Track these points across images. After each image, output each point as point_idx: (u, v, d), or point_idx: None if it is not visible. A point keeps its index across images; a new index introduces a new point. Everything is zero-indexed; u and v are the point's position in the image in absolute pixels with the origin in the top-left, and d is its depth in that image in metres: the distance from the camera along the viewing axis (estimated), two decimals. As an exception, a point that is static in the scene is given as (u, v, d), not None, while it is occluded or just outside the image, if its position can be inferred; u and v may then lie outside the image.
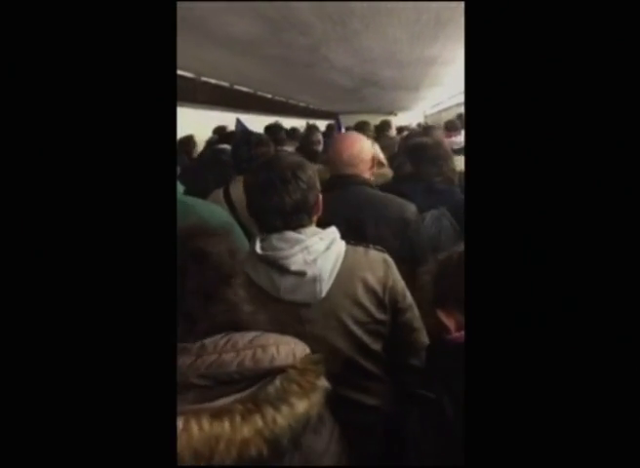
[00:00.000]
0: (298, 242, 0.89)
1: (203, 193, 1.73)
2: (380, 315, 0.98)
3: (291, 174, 0.92)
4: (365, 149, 1.52)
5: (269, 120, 5.36)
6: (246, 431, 0.56)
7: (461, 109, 6.65)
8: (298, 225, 0.92)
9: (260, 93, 6.34)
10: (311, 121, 8.19)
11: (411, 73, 5.07)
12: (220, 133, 4.03)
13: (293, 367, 0.62)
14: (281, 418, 0.57)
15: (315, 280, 0.89)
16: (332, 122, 6.76)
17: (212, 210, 1.35)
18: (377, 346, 1.00)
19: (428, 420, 0.67)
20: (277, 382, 0.60)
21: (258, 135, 2.10)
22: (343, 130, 5.55)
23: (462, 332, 0.67)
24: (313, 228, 0.94)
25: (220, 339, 0.66)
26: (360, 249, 1.00)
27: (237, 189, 1.67)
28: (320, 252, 0.90)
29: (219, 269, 0.69)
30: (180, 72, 3.93)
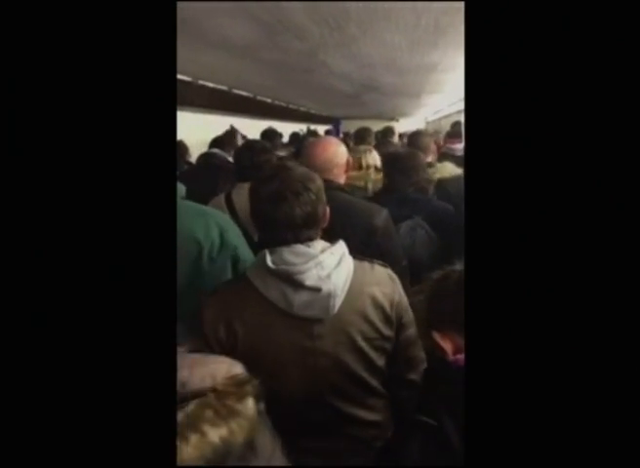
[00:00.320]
0: (311, 257, 0.88)
1: (198, 197, 1.74)
2: (386, 331, 0.98)
3: (301, 185, 0.90)
4: (339, 154, 1.50)
5: (269, 124, 5.33)
6: None
7: (461, 117, 6.62)
8: (307, 238, 0.91)
9: (259, 97, 6.30)
10: (313, 126, 8.16)
11: (411, 80, 5.02)
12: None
13: (213, 390, 0.56)
14: (191, 449, 0.50)
15: (330, 295, 0.88)
16: (330, 127, 6.71)
17: (223, 215, 1.34)
18: (381, 362, 0.99)
19: (432, 448, 0.65)
20: (189, 409, 0.53)
21: (260, 142, 2.08)
22: (341, 135, 5.51)
23: (462, 355, 0.64)
24: (322, 242, 0.93)
25: None
26: (366, 264, 0.99)
27: (239, 196, 1.72)
28: (332, 267, 0.89)
29: None
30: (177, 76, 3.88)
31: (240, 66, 3.59)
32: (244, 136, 4.11)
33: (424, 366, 1.01)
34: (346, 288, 0.91)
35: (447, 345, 0.68)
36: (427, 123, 12.99)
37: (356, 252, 1.07)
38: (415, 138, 2.60)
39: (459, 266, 0.74)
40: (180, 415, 0.52)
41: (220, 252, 1.24)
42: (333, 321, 0.91)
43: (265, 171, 0.96)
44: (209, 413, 0.53)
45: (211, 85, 4.76)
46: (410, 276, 1.37)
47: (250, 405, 0.56)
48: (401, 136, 5.38)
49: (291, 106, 7.87)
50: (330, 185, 1.42)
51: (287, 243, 0.90)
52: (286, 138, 5.02)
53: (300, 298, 0.88)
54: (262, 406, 0.60)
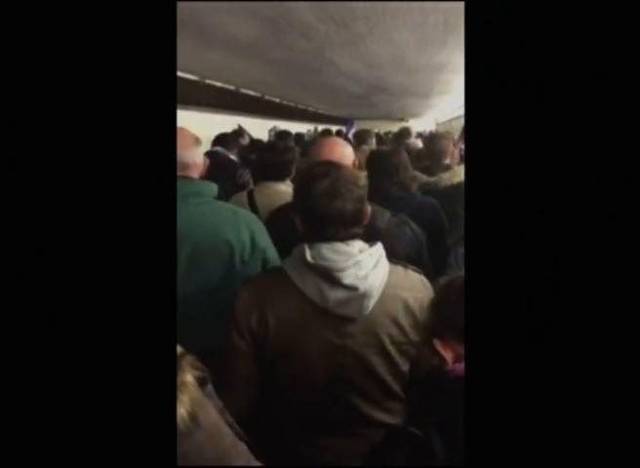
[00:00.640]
0: (350, 255, 0.89)
1: None
2: (414, 336, 0.98)
3: (353, 183, 0.93)
4: (345, 155, 1.49)
5: (276, 124, 5.29)
6: None
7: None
8: (354, 235, 0.93)
9: (267, 97, 6.28)
10: (321, 126, 8.12)
11: (420, 80, 4.96)
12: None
13: None
14: None
15: (365, 296, 0.89)
16: (342, 128, 6.65)
17: (254, 217, 1.35)
18: (405, 367, 1.00)
19: (416, 459, 0.64)
20: None
21: (282, 142, 2.18)
22: (352, 132, 5.45)
23: (461, 365, 0.63)
24: (360, 242, 0.94)
25: None
26: (400, 268, 1.00)
27: (262, 195, 1.79)
28: (370, 268, 0.90)
29: None
30: (181, 74, 3.87)
31: (246, 65, 3.56)
32: (251, 137, 4.09)
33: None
34: (380, 290, 0.92)
35: (447, 354, 0.67)
36: (437, 124, 12.89)
37: None
38: (432, 140, 2.53)
39: (457, 269, 0.70)
40: None
41: (251, 254, 1.25)
42: (364, 322, 0.92)
43: (313, 169, 0.97)
44: None
45: (218, 84, 4.75)
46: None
47: (188, 378, 0.55)
48: (420, 135, 5.34)
49: (299, 106, 7.84)
50: None
51: (333, 238, 0.91)
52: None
53: (335, 295, 0.89)
54: (210, 388, 0.61)
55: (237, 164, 3.07)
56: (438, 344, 0.69)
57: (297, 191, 0.98)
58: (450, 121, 10.99)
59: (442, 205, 1.91)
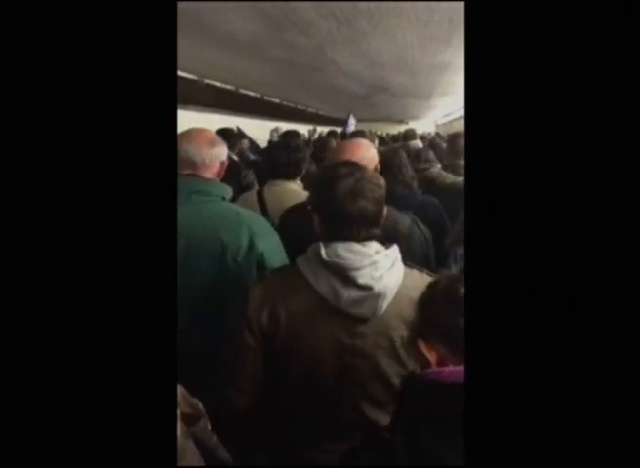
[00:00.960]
0: (366, 255, 0.89)
1: None
2: None
3: (375, 183, 0.93)
4: (366, 159, 1.45)
5: (273, 126, 5.23)
6: None
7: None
8: (371, 236, 0.92)
9: (267, 97, 6.22)
10: (320, 127, 8.07)
11: (422, 80, 4.90)
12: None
13: None
14: None
15: (379, 296, 0.89)
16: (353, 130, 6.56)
17: (260, 220, 1.35)
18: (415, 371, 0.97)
19: (377, 460, 0.63)
20: None
21: (296, 141, 2.21)
22: (350, 130, 5.40)
23: (443, 368, 0.61)
24: (376, 244, 0.93)
25: None
26: (415, 272, 0.99)
27: (272, 193, 1.79)
28: (386, 269, 0.90)
29: None
30: (180, 73, 3.80)
31: (245, 64, 3.50)
32: (251, 139, 4.03)
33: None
34: (394, 291, 0.91)
35: (431, 355, 0.65)
36: (437, 125, 12.86)
37: None
38: (454, 141, 2.48)
39: (453, 270, 0.72)
40: None
41: (245, 256, 1.23)
42: (376, 322, 0.91)
43: (337, 168, 0.97)
44: None
45: (218, 84, 4.69)
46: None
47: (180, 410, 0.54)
48: (422, 138, 5.36)
49: (299, 107, 7.79)
50: None
51: (353, 237, 0.90)
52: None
53: (349, 294, 0.88)
54: (204, 424, 0.59)
55: (241, 164, 3.04)
56: (422, 345, 0.67)
57: (319, 190, 0.96)
58: (450, 122, 10.95)
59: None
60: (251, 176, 2.75)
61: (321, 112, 9.04)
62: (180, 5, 1.97)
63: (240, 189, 2.35)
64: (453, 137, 2.57)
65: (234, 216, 1.25)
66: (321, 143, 3.38)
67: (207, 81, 4.45)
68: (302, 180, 1.89)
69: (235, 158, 3.08)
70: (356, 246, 0.90)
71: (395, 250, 0.95)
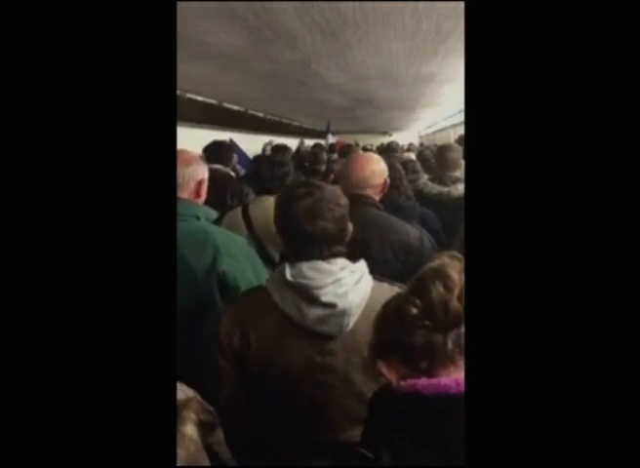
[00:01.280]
0: (330, 273, 0.90)
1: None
2: None
3: (335, 202, 0.93)
4: (377, 173, 1.50)
5: (261, 139, 5.14)
6: None
7: (457, 130, 6.54)
8: (337, 253, 0.93)
9: (251, 111, 6.14)
10: (307, 141, 8.02)
11: (407, 92, 4.88)
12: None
13: None
14: None
15: (344, 313, 0.89)
16: (333, 142, 6.50)
17: (231, 240, 1.35)
18: None
19: None
20: None
21: (279, 156, 2.23)
22: (330, 141, 5.38)
23: (416, 381, 0.61)
24: (343, 260, 0.94)
25: None
26: (385, 285, 0.99)
27: (257, 208, 1.77)
28: (351, 285, 0.91)
29: None
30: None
31: (228, 78, 3.41)
32: (240, 152, 3.93)
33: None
34: (362, 306, 0.91)
35: (392, 375, 0.65)
36: (421, 137, 12.96)
37: (391, 267, 1.08)
38: (443, 153, 2.48)
39: (403, 289, 0.71)
40: None
41: (206, 274, 1.25)
42: (346, 339, 0.91)
43: (294, 188, 0.97)
44: None
45: (200, 98, 4.59)
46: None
47: (188, 431, 0.54)
48: (409, 149, 5.39)
49: (284, 121, 7.73)
50: (364, 201, 1.46)
51: (314, 257, 0.91)
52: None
53: (314, 313, 0.89)
54: (219, 434, 0.59)
55: (241, 182, 2.94)
56: (382, 366, 0.66)
57: (279, 210, 0.97)
58: (433, 133, 11.04)
59: (455, 215, 1.91)
60: (252, 195, 2.68)
61: (305, 125, 9.00)
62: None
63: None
64: (441, 150, 2.57)
65: (201, 236, 1.25)
66: (314, 156, 3.34)
67: (189, 95, 4.36)
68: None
69: (232, 174, 2.99)
70: (321, 264, 0.90)
71: (362, 265, 0.95)
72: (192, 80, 3.48)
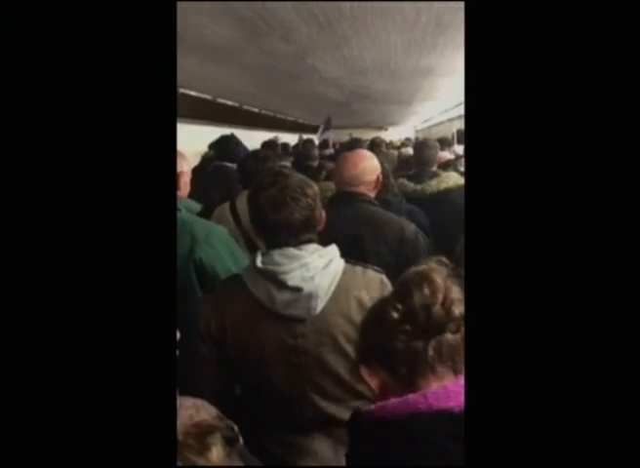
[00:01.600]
0: (297, 258, 0.92)
1: (207, 209, 1.79)
2: None
3: (300, 191, 0.95)
4: (368, 170, 1.51)
5: (256, 134, 5.06)
6: None
7: (454, 125, 6.48)
8: (307, 240, 0.95)
9: (245, 107, 6.04)
10: (303, 136, 7.93)
11: (404, 86, 4.81)
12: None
13: None
14: None
15: (311, 296, 0.92)
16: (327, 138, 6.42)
17: (209, 229, 1.37)
18: None
19: None
20: None
21: (264, 150, 2.26)
22: (324, 136, 5.27)
23: (387, 402, 0.58)
24: (314, 245, 0.96)
25: None
26: (358, 268, 1.01)
27: (243, 203, 1.75)
28: (319, 269, 0.93)
29: None
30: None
31: (221, 72, 3.32)
32: (245, 147, 3.86)
33: None
34: (332, 290, 0.94)
35: (374, 381, 0.63)
36: (417, 131, 12.87)
37: (385, 261, 1.11)
38: (420, 148, 2.58)
39: (377, 271, 0.76)
40: None
41: (184, 263, 1.27)
42: (316, 321, 0.94)
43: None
44: None
45: (193, 94, 4.49)
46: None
47: (213, 456, 0.52)
48: (404, 143, 5.39)
49: (278, 116, 7.63)
50: (358, 198, 1.49)
51: (283, 245, 0.93)
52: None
53: (282, 297, 0.92)
54: (241, 446, 0.58)
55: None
56: (364, 371, 0.64)
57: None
58: (429, 128, 10.96)
59: (427, 210, 2.08)
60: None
61: (300, 120, 8.90)
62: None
63: None
64: (418, 146, 2.65)
65: (181, 226, 1.27)
66: (305, 151, 3.29)
67: (182, 90, 4.26)
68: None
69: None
70: (291, 250, 0.93)
71: (332, 249, 0.97)
72: (184, 74, 3.39)
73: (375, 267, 1.04)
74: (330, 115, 5.50)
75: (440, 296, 0.58)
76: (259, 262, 0.93)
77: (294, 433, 1.00)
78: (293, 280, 0.91)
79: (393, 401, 0.58)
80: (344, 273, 0.96)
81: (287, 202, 0.93)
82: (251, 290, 0.94)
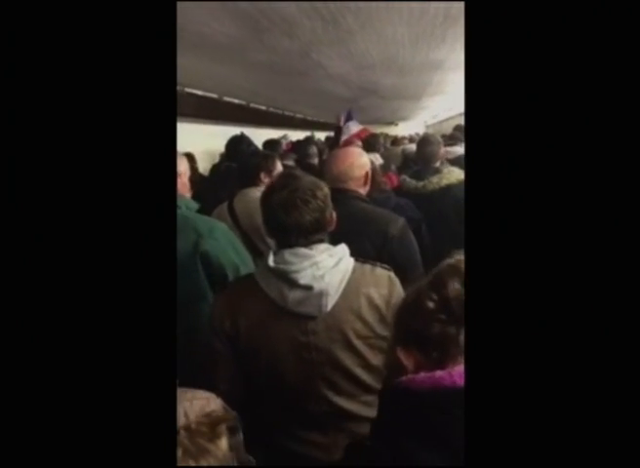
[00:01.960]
0: (308, 257, 0.94)
1: (207, 208, 1.80)
2: (381, 331, 1.01)
3: (310, 193, 0.96)
4: (356, 166, 1.52)
5: (267, 132, 5.01)
6: None
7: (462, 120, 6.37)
8: (317, 241, 0.97)
9: (252, 105, 5.98)
10: (310, 133, 7.84)
11: (413, 81, 4.70)
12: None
13: (185, 428, 0.55)
14: None
15: (322, 294, 0.94)
16: (331, 135, 6.29)
17: (211, 224, 1.39)
18: (377, 361, 1.02)
19: None
20: None
21: (265, 151, 2.31)
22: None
23: (415, 376, 0.63)
24: (325, 245, 0.98)
25: None
26: (367, 266, 1.03)
27: (241, 202, 1.82)
28: (329, 267, 0.95)
29: None
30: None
31: (224, 70, 3.26)
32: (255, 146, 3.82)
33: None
34: (342, 288, 0.96)
35: (409, 362, 0.68)
36: (427, 126, 12.71)
37: (369, 258, 1.10)
38: (423, 145, 2.59)
39: (422, 282, 0.77)
40: None
41: (190, 257, 1.29)
42: (327, 318, 0.96)
43: (276, 180, 1.01)
44: (177, 452, 0.52)
45: (200, 93, 4.44)
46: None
47: (222, 444, 0.55)
48: (411, 139, 5.31)
49: (286, 113, 7.55)
50: (347, 194, 1.50)
51: (294, 245, 0.95)
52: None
53: (293, 295, 0.94)
54: (240, 437, 0.61)
55: None
56: (401, 353, 0.69)
57: (261, 201, 1.01)
58: (440, 123, 10.80)
59: (429, 207, 2.11)
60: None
61: (309, 117, 8.81)
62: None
63: None
64: (421, 143, 2.64)
65: (181, 221, 1.30)
66: (303, 150, 3.24)
67: (187, 90, 4.21)
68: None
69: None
70: (302, 250, 0.95)
71: (341, 248, 1.00)
72: (188, 73, 3.34)
73: (383, 265, 1.06)
74: (350, 108, 5.31)
75: None
76: (270, 262, 0.95)
77: (308, 428, 1.03)
78: (304, 278, 0.93)
79: (422, 375, 0.63)
80: (354, 271, 0.98)
81: (297, 204, 0.94)
82: (263, 288, 0.97)
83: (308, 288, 0.93)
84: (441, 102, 7.64)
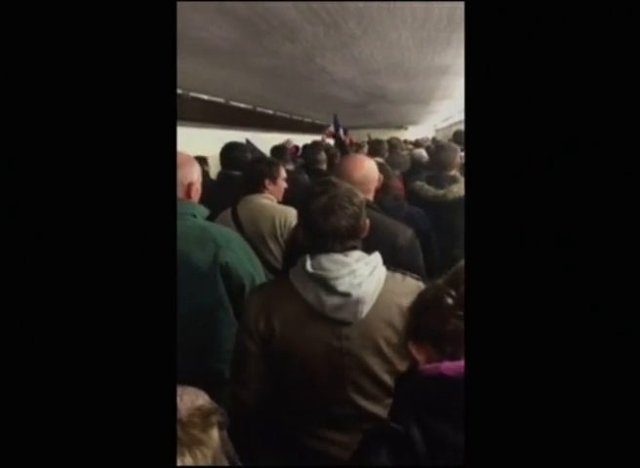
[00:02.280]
0: (345, 265, 0.96)
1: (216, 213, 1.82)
2: None
3: (347, 200, 0.98)
4: (369, 175, 1.53)
5: (275, 137, 4.97)
6: None
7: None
8: (351, 247, 0.99)
9: (259, 109, 5.96)
10: (320, 137, 7.80)
11: (420, 85, 4.64)
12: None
13: (178, 421, 0.56)
14: None
15: (359, 302, 0.96)
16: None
17: (228, 235, 1.41)
18: (402, 367, 1.04)
19: (398, 454, 0.67)
20: None
21: (270, 157, 2.31)
22: (341, 132, 5.08)
23: (440, 364, 0.66)
24: (358, 252, 1.00)
25: None
26: (398, 275, 1.06)
27: (244, 209, 1.84)
28: (365, 276, 0.97)
29: None
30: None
31: (226, 75, 3.23)
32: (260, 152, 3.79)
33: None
34: (375, 296, 0.98)
35: (421, 356, 0.70)
36: (437, 131, 12.61)
37: None
38: (439, 152, 2.50)
39: (440, 280, 0.76)
40: None
41: (210, 267, 1.30)
42: (360, 325, 0.99)
43: (315, 187, 1.03)
44: None
45: (205, 97, 4.43)
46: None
47: (214, 434, 0.57)
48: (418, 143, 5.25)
49: (295, 117, 7.53)
50: None
51: (330, 251, 0.97)
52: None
53: (331, 301, 0.96)
54: (225, 433, 0.62)
55: None
56: (413, 347, 0.72)
57: (300, 207, 1.04)
58: (450, 126, 10.70)
59: (450, 217, 2.03)
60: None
61: (318, 121, 8.78)
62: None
63: None
64: (437, 150, 2.56)
65: (199, 232, 1.30)
66: (311, 155, 3.19)
67: (192, 94, 4.20)
68: (288, 192, 1.92)
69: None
70: (338, 256, 0.97)
71: (376, 257, 1.01)
72: (189, 78, 3.32)
73: (413, 275, 1.09)
74: (335, 114, 5.26)
75: None
76: (309, 267, 0.97)
77: (334, 429, 1.06)
78: (342, 285, 0.95)
79: (446, 363, 0.65)
80: (386, 280, 1.01)
81: (335, 210, 0.97)
82: (300, 292, 0.98)
83: (346, 295, 0.96)
84: (450, 106, 7.55)
